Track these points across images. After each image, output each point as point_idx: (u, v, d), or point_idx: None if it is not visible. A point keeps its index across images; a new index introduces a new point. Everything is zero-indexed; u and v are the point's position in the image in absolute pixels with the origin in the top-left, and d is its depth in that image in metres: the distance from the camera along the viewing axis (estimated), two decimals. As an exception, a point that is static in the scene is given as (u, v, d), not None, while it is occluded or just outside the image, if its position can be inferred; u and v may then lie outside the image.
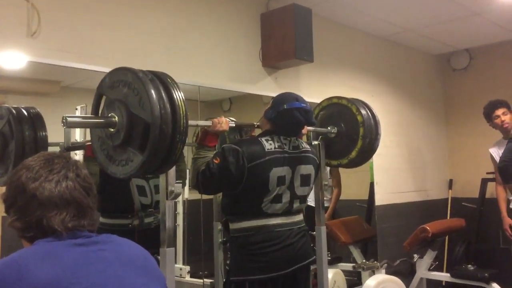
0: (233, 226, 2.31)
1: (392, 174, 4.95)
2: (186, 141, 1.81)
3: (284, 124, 2.32)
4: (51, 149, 2.25)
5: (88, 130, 2.81)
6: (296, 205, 2.34)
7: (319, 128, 2.88)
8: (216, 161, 2.18)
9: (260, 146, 2.24)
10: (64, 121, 1.70)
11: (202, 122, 2.33)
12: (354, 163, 2.91)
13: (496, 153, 4.09)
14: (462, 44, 5.43)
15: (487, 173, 4.76)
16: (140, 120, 1.70)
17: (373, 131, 2.83)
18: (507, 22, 4.61)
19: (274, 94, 3.70)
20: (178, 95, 1.74)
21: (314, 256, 2.50)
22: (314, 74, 4.15)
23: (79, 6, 2.79)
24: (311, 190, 2.53)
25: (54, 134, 2.67)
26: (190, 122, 1.83)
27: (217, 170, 2.17)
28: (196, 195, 3.48)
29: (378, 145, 2.91)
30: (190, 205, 3.55)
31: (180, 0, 3.33)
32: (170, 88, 1.75)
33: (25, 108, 2.20)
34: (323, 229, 2.80)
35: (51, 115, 2.87)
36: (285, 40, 3.60)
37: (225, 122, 2.28)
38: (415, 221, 4.68)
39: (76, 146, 2.48)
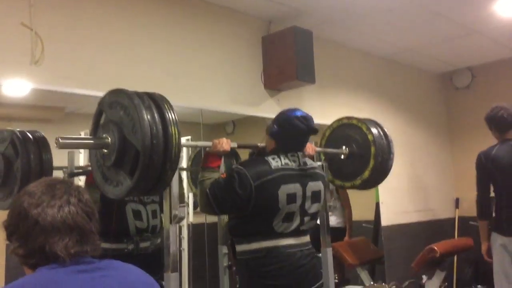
0: (241, 248, 2.26)
1: (398, 194, 4.91)
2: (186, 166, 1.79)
3: (287, 136, 2.30)
4: (55, 173, 2.26)
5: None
6: (306, 222, 2.30)
7: (330, 149, 2.84)
8: (222, 176, 2.20)
9: (266, 164, 2.22)
10: (56, 142, 1.68)
11: (201, 143, 2.33)
12: (368, 184, 2.85)
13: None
14: (463, 63, 5.45)
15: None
16: (132, 146, 1.69)
17: (385, 150, 2.78)
18: (507, 40, 4.64)
19: (276, 116, 3.74)
20: (173, 122, 1.71)
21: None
22: (316, 95, 4.16)
23: (82, 34, 2.82)
24: (322, 207, 2.49)
25: (58, 160, 2.67)
26: (191, 143, 1.85)
27: (223, 184, 2.16)
28: (201, 219, 3.46)
29: (391, 165, 2.84)
30: (194, 229, 3.52)
31: (182, 25, 3.37)
32: (166, 115, 1.72)
33: (29, 131, 2.21)
34: (329, 251, 2.75)
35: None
36: (286, 62, 3.62)
37: (226, 142, 2.25)
38: (422, 241, 4.61)
39: (80, 172, 2.48)
